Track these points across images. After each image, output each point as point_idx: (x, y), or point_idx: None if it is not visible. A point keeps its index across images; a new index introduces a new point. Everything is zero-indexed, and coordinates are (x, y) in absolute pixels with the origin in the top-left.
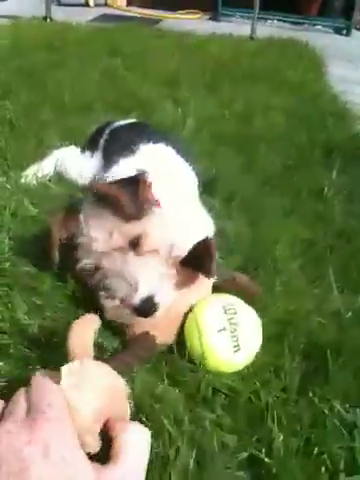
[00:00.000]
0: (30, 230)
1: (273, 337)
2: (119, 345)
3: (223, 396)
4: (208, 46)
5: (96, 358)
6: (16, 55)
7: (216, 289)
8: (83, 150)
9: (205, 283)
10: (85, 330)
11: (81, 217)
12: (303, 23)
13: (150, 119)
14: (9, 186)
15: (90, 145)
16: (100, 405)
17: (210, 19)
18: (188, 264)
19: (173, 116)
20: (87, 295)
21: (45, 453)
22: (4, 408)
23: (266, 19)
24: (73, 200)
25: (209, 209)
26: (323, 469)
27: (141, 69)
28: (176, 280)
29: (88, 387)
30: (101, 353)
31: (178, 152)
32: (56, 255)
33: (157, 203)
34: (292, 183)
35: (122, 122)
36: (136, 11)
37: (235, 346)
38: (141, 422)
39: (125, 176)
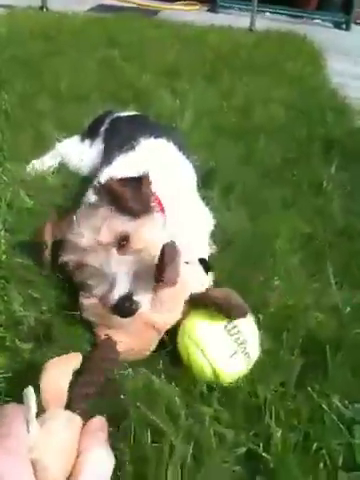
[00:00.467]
0: (26, 222)
1: (271, 332)
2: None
3: (220, 391)
4: (207, 37)
5: None
6: (12, 44)
7: (193, 302)
8: (82, 139)
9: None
10: (60, 373)
11: (74, 217)
12: (302, 16)
13: (148, 110)
14: (5, 178)
15: (90, 134)
16: (67, 462)
17: (208, 11)
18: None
19: (171, 107)
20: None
21: None
22: None
23: (264, 12)
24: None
25: (207, 202)
26: (321, 465)
27: (139, 60)
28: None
29: (56, 447)
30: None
31: (179, 147)
32: (48, 259)
33: (159, 204)
34: (291, 176)
35: (123, 113)
36: (134, 1)
37: (248, 362)
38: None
39: (128, 175)
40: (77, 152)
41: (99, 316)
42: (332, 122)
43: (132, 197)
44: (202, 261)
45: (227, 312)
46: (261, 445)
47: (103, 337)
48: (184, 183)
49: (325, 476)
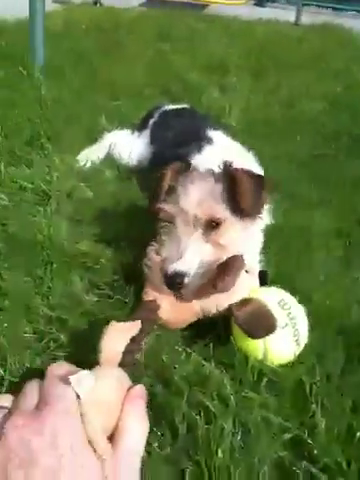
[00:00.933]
0: (85, 213)
1: (316, 326)
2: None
3: (268, 380)
4: (254, 31)
5: None
6: (67, 38)
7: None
8: (132, 131)
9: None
10: (119, 337)
11: (189, 177)
12: (347, 10)
13: (198, 104)
14: (64, 169)
15: (139, 126)
16: (109, 421)
17: (255, 4)
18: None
19: (219, 101)
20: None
21: (54, 444)
22: (14, 401)
23: (310, 5)
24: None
25: None
26: None
27: (189, 54)
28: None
29: (102, 406)
30: None
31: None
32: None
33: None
34: (332, 172)
35: (172, 106)
36: None
37: (296, 340)
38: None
39: (252, 170)
40: (126, 143)
41: (155, 274)
42: None
43: (252, 195)
44: (262, 273)
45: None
46: (306, 432)
47: (150, 298)
48: None
49: None
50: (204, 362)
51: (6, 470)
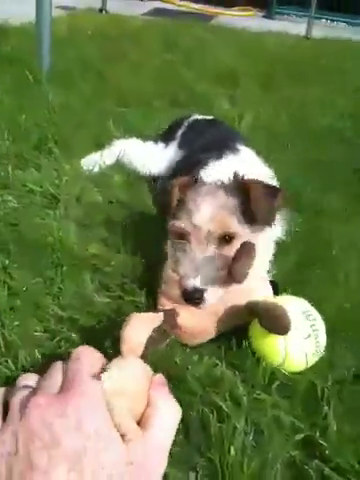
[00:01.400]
0: (94, 216)
1: (329, 331)
2: None
3: (280, 383)
4: (263, 43)
5: None
6: (72, 45)
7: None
8: (155, 142)
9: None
10: (142, 327)
11: (198, 190)
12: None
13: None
14: (73, 174)
15: (165, 137)
16: (134, 408)
17: (264, 17)
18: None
19: (229, 113)
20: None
21: (78, 426)
22: (38, 381)
23: (320, 18)
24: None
25: None
26: None
27: (197, 65)
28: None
29: (127, 394)
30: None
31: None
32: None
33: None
34: (351, 186)
35: (200, 117)
36: (189, 6)
37: (316, 351)
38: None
39: (264, 181)
40: (143, 155)
41: (173, 290)
42: None
43: (265, 205)
44: (272, 284)
45: (268, 326)
46: (317, 433)
47: (167, 307)
48: None
49: None
50: (217, 362)
51: (29, 450)
